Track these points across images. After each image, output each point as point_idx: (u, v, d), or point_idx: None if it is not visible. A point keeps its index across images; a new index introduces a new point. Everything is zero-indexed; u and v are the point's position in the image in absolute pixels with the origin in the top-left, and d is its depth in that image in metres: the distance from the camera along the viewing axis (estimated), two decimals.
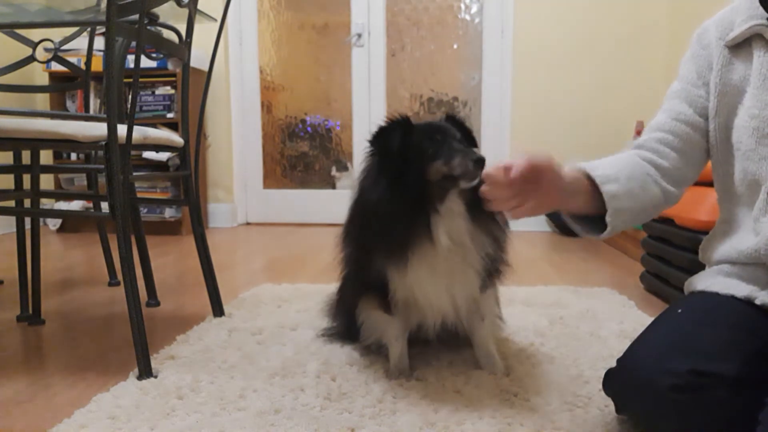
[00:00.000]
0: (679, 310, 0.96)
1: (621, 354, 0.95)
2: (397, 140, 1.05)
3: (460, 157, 1.01)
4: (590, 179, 0.97)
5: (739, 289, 0.94)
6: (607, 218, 0.96)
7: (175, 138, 1.57)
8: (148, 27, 1.38)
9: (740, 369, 0.81)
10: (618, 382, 0.93)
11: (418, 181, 1.03)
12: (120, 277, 1.84)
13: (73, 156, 3.40)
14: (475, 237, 1.08)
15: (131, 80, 1.38)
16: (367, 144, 1.10)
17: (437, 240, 1.04)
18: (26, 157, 1.70)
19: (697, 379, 0.80)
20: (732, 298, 0.94)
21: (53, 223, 3.51)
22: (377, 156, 1.08)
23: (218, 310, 1.64)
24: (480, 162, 0.98)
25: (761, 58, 0.94)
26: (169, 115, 3.27)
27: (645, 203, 1.00)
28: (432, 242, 1.04)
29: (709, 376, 0.80)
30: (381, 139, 1.08)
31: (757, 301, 0.92)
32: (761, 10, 0.95)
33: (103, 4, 1.26)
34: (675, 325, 0.93)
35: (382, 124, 1.09)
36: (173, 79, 3.26)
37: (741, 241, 0.96)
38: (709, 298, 0.97)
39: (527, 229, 3.49)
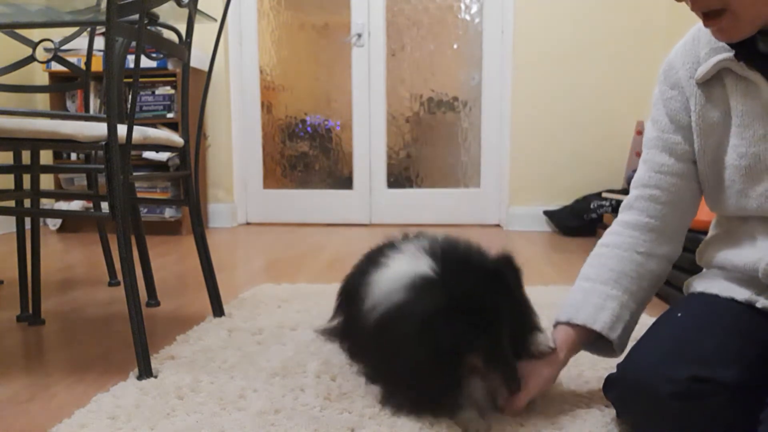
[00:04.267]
0: (679, 314, 0.95)
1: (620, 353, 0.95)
2: (460, 337, 0.92)
3: (500, 375, 0.96)
4: (590, 330, 1.01)
5: (739, 292, 0.93)
6: (617, 354, 1.03)
7: (175, 138, 1.57)
8: (148, 27, 1.38)
9: (740, 375, 0.80)
10: (618, 387, 0.92)
11: (454, 362, 0.94)
12: (120, 277, 1.84)
13: (73, 156, 3.40)
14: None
15: (131, 80, 1.38)
16: (415, 334, 0.92)
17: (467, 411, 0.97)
18: (26, 157, 1.70)
19: (697, 385, 0.80)
20: (732, 301, 0.93)
21: (53, 223, 3.51)
22: (429, 341, 0.92)
23: (218, 310, 1.64)
24: (514, 388, 0.96)
25: (735, 93, 0.90)
26: (169, 115, 3.27)
27: (649, 295, 1.05)
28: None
29: (709, 382, 0.79)
30: (441, 329, 0.92)
31: (758, 305, 0.91)
32: (723, 42, 0.90)
33: (103, 4, 1.26)
34: (674, 329, 0.92)
35: (442, 306, 0.91)
36: (173, 79, 3.26)
37: (739, 256, 0.94)
38: (708, 301, 0.96)
39: (527, 229, 3.49)
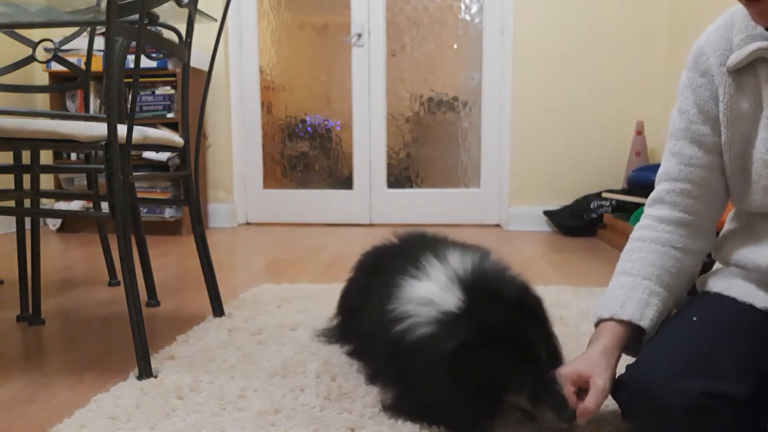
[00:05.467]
0: (694, 318, 0.92)
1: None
2: (486, 371, 0.90)
3: (550, 410, 0.89)
4: (631, 325, 0.94)
5: (760, 298, 0.90)
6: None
7: (175, 138, 1.57)
8: (148, 27, 1.38)
9: (753, 389, 0.78)
10: (627, 393, 0.89)
11: (491, 400, 0.92)
12: (120, 277, 1.84)
13: (73, 156, 3.40)
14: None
15: (131, 80, 1.38)
16: (447, 359, 0.90)
17: None
18: (26, 157, 1.70)
19: (709, 401, 0.78)
20: (751, 308, 0.90)
21: (53, 223, 3.51)
22: (456, 374, 0.91)
23: (218, 310, 1.64)
24: (569, 418, 0.87)
25: None
26: (169, 115, 3.26)
27: (684, 293, 1.00)
28: None
29: (722, 397, 0.78)
30: (467, 361, 0.90)
31: None
32: (761, 29, 0.86)
33: (103, 4, 1.26)
34: (689, 337, 0.89)
35: (470, 339, 0.90)
36: (173, 79, 3.26)
37: (762, 256, 0.91)
38: (725, 306, 0.92)
39: (527, 229, 3.49)
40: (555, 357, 1.01)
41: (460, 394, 0.90)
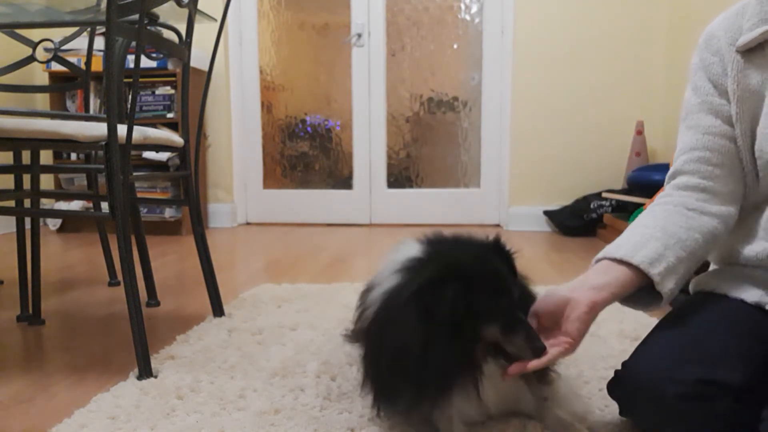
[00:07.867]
0: (686, 314, 0.94)
1: (621, 353, 0.94)
2: (454, 303, 0.83)
3: (522, 338, 0.86)
4: (631, 266, 0.91)
5: (749, 294, 0.92)
6: (663, 304, 0.92)
7: (175, 138, 1.57)
8: (148, 27, 1.38)
9: (747, 377, 0.80)
10: (624, 386, 0.91)
11: (468, 338, 0.86)
12: (120, 277, 1.84)
13: (73, 156, 3.40)
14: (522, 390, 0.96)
15: (131, 80, 1.38)
16: (412, 298, 0.85)
17: (484, 398, 0.90)
18: (26, 157, 1.70)
19: (704, 387, 0.79)
20: (741, 303, 0.92)
21: (53, 223, 3.51)
22: (424, 312, 0.84)
23: (218, 310, 1.64)
24: (538, 351, 0.85)
25: None
26: (169, 115, 3.27)
27: (702, 248, 0.94)
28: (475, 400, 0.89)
29: (716, 385, 0.79)
30: (434, 297, 0.84)
31: None
32: None
33: (103, 4, 1.26)
34: (682, 329, 0.91)
35: (435, 275, 0.85)
36: (173, 79, 3.26)
37: (751, 247, 0.93)
38: (717, 302, 0.94)
39: (527, 229, 3.49)
40: (527, 297, 0.97)
41: (432, 334, 0.83)
